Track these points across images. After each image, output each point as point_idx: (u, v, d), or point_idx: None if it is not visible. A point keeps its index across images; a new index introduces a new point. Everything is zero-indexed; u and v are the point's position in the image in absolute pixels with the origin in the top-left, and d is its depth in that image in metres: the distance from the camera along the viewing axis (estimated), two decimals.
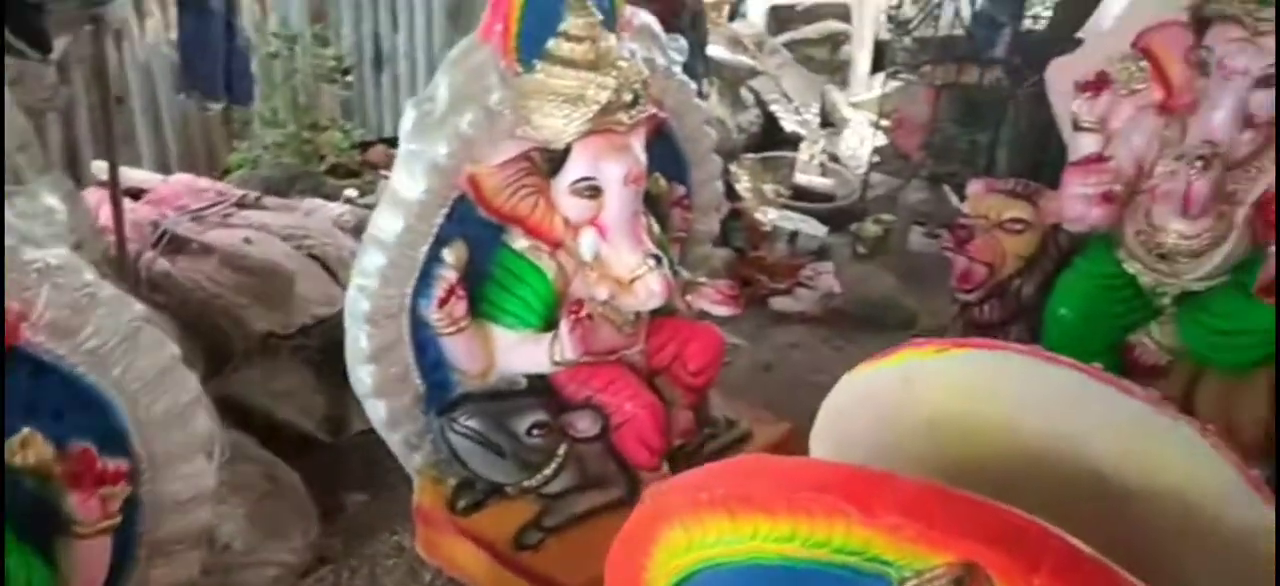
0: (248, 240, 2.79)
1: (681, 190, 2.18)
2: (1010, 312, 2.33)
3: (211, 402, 1.67)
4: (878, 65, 5.09)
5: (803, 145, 4.65)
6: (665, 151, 2.10)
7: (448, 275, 1.77)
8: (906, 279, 3.66)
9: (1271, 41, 1.71)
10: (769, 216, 3.94)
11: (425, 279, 1.79)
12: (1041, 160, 3.64)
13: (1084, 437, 0.62)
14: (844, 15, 5.59)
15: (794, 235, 3.89)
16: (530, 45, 1.75)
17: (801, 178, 4.40)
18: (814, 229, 3.94)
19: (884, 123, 4.32)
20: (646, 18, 2.01)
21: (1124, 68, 1.98)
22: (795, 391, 2.98)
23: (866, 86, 5.27)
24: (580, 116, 1.71)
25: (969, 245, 2.29)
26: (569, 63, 1.72)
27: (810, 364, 3.17)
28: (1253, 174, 1.85)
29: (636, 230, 1.84)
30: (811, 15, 5.66)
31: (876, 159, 4.38)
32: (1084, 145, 2.07)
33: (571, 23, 1.73)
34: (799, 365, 3.17)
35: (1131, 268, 2.05)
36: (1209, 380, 2.04)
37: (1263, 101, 1.75)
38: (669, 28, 3.00)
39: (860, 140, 4.70)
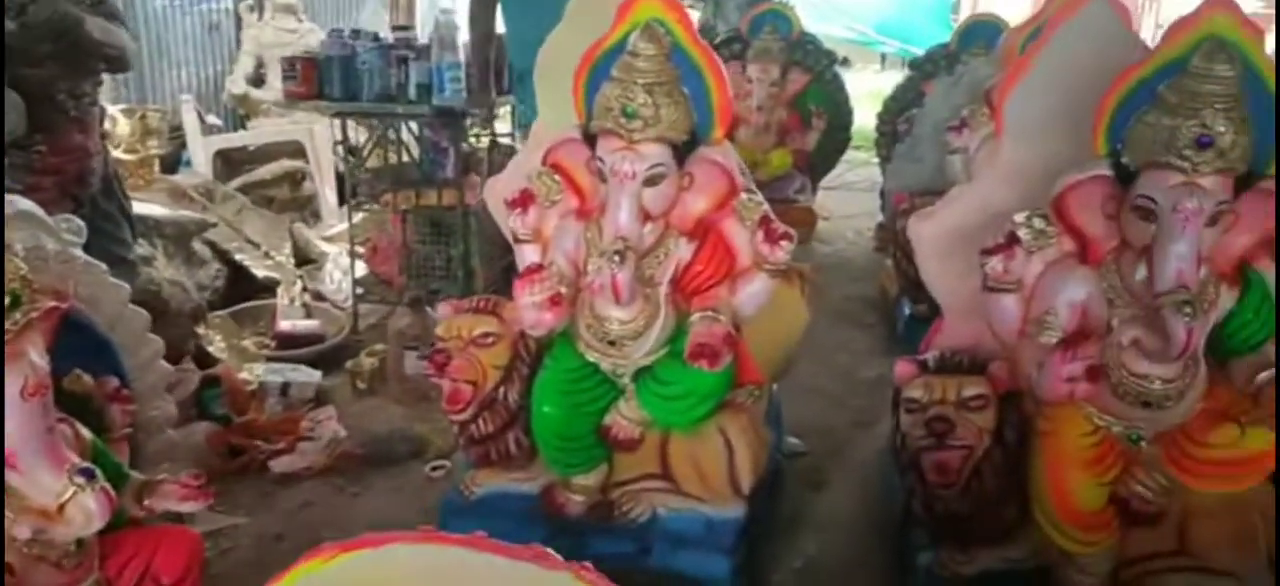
0: None
1: (114, 382, 1.91)
2: (503, 421, 2.39)
3: None
4: (344, 196, 5.05)
5: (280, 289, 4.41)
6: (83, 343, 1.84)
7: None
8: (411, 406, 3.63)
9: (646, 147, 1.96)
10: (254, 373, 3.66)
11: None
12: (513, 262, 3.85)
13: None
14: (297, 152, 5.45)
15: (286, 387, 3.63)
16: None
17: (284, 324, 4.15)
18: (307, 376, 3.71)
19: (360, 251, 4.27)
20: (23, 204, 1.71)
21: (541, 182, 2.15)
22: None
23: (338, 218, 5.19)
24: None
25: (449, 367, 2.31)
26: None
27: (327, 520, 2.97)
28: (661, 258, 2.09)
29: (52, 447, 1.55)
30: (263, 155, 5.42)
31: (361, 290, 4.31)
32: (526, 256, 2.21)
33: None
34: (315, 524, 2.95)
35: (592, 356, 2.21)
36: (676, 442, 2.27)
37: (652, 198, 2.00)
38: (76, 202, 2.66)
39: (342, 273, 4.59)
